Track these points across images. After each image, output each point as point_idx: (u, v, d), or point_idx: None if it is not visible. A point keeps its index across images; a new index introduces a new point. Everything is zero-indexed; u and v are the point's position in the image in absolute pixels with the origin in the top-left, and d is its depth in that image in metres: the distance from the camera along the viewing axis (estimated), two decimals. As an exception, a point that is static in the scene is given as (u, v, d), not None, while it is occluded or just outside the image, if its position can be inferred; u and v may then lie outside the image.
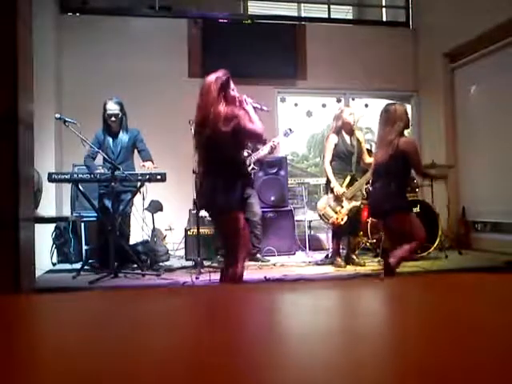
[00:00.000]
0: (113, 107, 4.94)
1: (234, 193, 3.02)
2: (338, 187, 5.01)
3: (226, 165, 3.05)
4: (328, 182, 5.16)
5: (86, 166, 4.86)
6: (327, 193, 5.17)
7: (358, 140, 5.22)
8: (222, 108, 3.03)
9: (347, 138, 5.17)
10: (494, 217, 6.27)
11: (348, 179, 5.07)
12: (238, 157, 3.21)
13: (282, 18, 7.44)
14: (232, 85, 3.15)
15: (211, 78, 3.12)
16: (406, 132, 4.11)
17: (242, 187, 3.13)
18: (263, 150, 4.71)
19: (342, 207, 5.01)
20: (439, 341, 0.54)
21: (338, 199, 5.02)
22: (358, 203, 5.12)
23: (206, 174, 3.16)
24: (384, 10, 8.27)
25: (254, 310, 0.73)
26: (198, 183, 3.21)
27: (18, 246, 2.49)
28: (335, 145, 5.12)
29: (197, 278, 4.44)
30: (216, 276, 4.52)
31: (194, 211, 5.20)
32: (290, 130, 4.97)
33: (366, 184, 5.10)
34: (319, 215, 5.16)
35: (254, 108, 3.22)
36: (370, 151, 6.17)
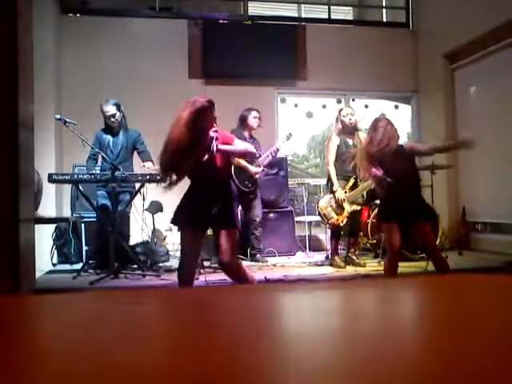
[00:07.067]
0: (109, 109, 4.91)
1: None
2: (340, 192, 4.97)
3: None
4: (330, 182, 5.13)
5: (87, 168, 4.86)
6: (330, 192, 5.10)
7: (360, 141, 5.18)
8: None
9: (349, 139, 5.11)
10: (494, 217, 6.27)
11: (351, 182, 5.04)
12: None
13: (282, 19, 7.44)
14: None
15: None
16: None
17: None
18: (267, 157, 5.33)
19: (343, 210, 5.00)
20: (438, 342, 0.54)
21: (339, 203, 5.01)
22: (358, 207, 5.10)
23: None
24: (384, 10, 8.27)
25: (253, 311, 0.73)
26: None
27: (18, 247, 2.49)
28: (337, 146, 5.05)
29: (196, 279, 4.43)
30: (215, 277, 4.54)
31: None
32: (290, 134, 5.41)
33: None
34: (319, 214, 5.14)
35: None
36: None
